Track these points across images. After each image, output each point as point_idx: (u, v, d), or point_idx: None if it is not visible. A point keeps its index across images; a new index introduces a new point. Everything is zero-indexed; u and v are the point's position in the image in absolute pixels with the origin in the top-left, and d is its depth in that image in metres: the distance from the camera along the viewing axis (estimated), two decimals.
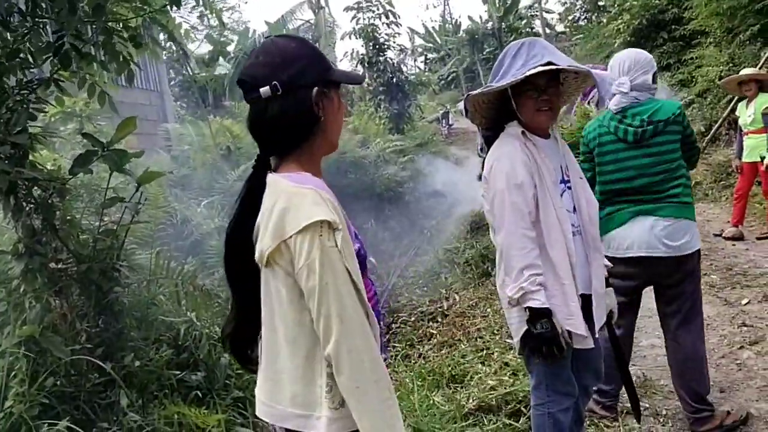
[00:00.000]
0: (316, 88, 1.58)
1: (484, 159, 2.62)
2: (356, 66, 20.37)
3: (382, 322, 1.80)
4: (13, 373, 2.98)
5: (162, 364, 3.46)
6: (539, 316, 2.34)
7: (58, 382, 3.03)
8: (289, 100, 1.56)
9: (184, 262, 4.49)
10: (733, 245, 6.62)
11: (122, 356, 3.32)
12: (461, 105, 2.58)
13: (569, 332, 2.42)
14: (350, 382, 1.45)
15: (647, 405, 3.52)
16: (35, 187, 3.29)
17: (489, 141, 2.61)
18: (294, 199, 1.50)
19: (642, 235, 3.06)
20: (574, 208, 2.58)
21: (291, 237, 1.46)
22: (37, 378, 2.95)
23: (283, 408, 1.58)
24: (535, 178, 2.45)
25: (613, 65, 3.16)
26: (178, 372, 3.56)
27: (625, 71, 3.08)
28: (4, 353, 3.01)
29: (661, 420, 3.37)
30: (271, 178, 1.58)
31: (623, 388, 3.02)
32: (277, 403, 1.60)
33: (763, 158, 6.43)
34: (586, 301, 2.55)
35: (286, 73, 1.57)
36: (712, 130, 12.28)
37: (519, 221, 2.38)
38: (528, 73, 2.31)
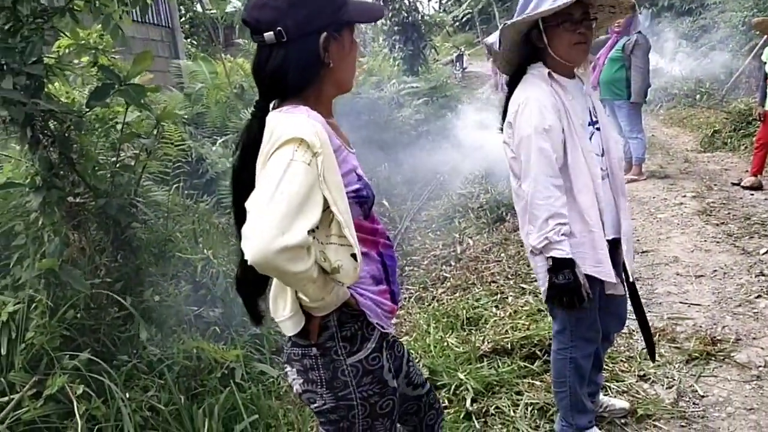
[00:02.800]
0: (324, 34, 1.50)
1: (504, 107, 2.54)
2: None
3: (395, 269, 1.75)
4: (34, 305, 3.00)
5: (180, 299, 3.48)
6: (562, 266, 2.31)
7: (78, 315, 3.04)
8: (295, 47, 1.49)
9: (200, 200, 4.47)
10: (752, 194, 6.54)
11: (141, 291, 3.34)
12: (492, 39, 2.47)
13: (598, 280, 2.40)
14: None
15: (663, 351, 3.53)
16: (51, 120, 3.24)
17: (511, 87, 2.52)
18: (282, 121, 1.45)
19: None
20: (603, 152, 2.52)
21: (271, 156, 1.41)
22: (58, 311, 2.96)
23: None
24: (563, 122, 2.37)
25: None
26: (195, 308, 3.59)
27: None
28: (24, 285, 3.02)
29: (676, 366, 3.38)
30: (269, 116, 1.53)
31: None
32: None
33: None
34: (616, 245, 2.53)
35: (292, 18, 1.48)
36: (733, 78, 12.03)
37: (546, 168, 2.31)
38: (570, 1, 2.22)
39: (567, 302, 2.34)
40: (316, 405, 1.64)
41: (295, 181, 1.35)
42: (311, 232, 1.37)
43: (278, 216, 1.32)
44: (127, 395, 2.82)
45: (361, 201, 1.58)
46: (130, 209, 3.45)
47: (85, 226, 3.34)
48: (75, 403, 2.66)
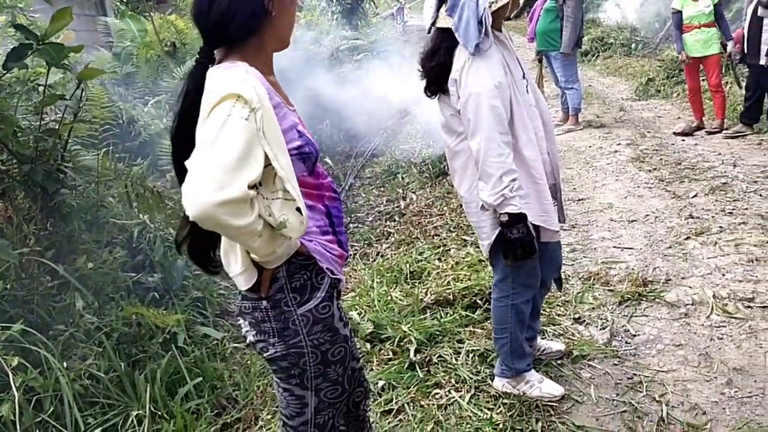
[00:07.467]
0: None
1: (430, 72, 2.50)
2: None
3: (342, 219, 1.78)
4: None
5: (116, 266, 3.40)
6: (517, 221, 2.36)
7: (9, 286, 2.95)
8: None
9: (133, 163, 4.33)
10: (683, 140, 6.76)
11: (74, 259, 3.25)
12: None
13: (537, 228, 2.46)
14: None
15: (597, 294, 3.66)
16: None
17: (438, 44, 2.46)
18: (220, 78, 1.45)
19: None
20: (535, 102, 2.55)
21: (210, 113, 1.40)
22: None
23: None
24: (507, 77, 2.38)
25: None
26: (133, 274, 3.51)
27: None
28: None
29: (610, 307, 3.51)
30: (209, 72, 1.51)
31: None
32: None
33: (723, 50, 6.51)
34: (554, 191, 2.59)
35: None
36: (666, 26, 12.28)
37: (497, 126, 2.31)
38: None
39: (521, 255, 2.41)
40: (268, 353, 1.67)
41: (232, 136, 1.35)
42: (255, 187, 1.39)
43: (217, 171, 1.32)
44: (65, 365, 2.76)
45: (304, 157, 1.58)
46: (58, 175, 3.32)
47: (11, 194, 3.22)
48: (11, 376, 2.58)
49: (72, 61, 3.54)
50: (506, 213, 2.35)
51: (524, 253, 2.42)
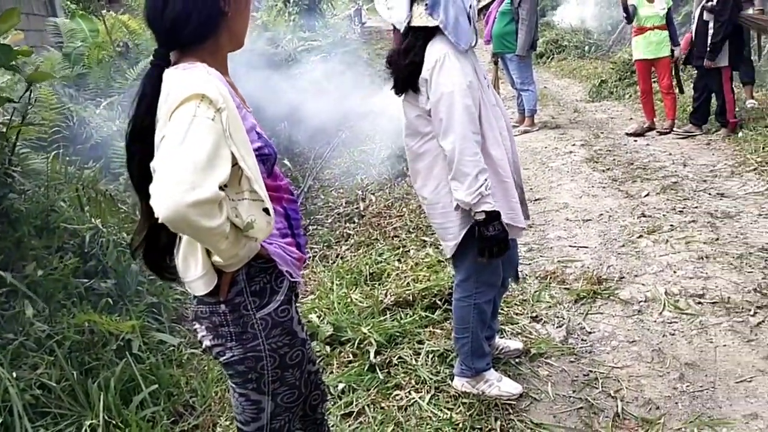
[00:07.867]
0: None
1: (404, 69, 2.48)
2: None
3: (299, 222, 1.78)
4: None
5: (67, 272, 3.30)
6: (493, 218, 2.38)
7: None
8: None
9: (84, 166, 4.22)
10: (635, 141, 6.92)
11: (23, 265, 3.15)
12: None
13: (506, 225, 2.49)
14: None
15: (553, 293, 3.71)
16: None
17: (412, 45, 2.46)
18: (181, 79, 1.43)
19: None
20: (495, 102, 2.58)
21: (173, 112, 1.37)
22: None
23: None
24: (475, 77, 2.40)
25: None
26: (86, 280, 3.42)
27: None
28: None
29: (566, 305, 3.57)
30: (166, 73, 1.49)
31: None
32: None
33: (672, 53, 6.69)
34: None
35: None
36: (619, 29, 12.57)
37: (470, 125, 2.33)
38: None
39: (496, 252, 2.44)
40: (225, 357, 1.64)
41: (200, 137, 1.34)
42: (222, 188, 1.37)
43: (187, 171, 1.30)
44: (15, 374, 2.67)
45: (263, 158, 1.58)
46: (5, 179, 3.23)
47: None
48: None
49: (20, 63, 3.45)
50: (483, 211, 2.37)
51: (499, 250, 2.45)
